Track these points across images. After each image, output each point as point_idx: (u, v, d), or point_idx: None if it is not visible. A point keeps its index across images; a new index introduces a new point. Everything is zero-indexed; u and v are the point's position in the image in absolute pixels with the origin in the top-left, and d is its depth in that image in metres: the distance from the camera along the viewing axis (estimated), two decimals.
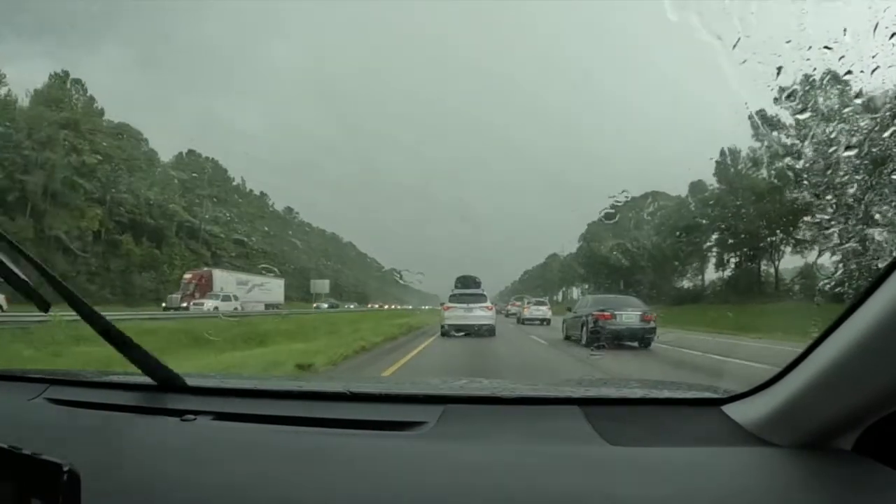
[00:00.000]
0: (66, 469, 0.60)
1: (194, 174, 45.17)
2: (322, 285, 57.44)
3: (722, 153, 33.07)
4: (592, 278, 46.41)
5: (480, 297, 13.88)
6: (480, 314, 13.37)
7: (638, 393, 1.18)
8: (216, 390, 1.22)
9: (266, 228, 48.98)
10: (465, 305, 13.49)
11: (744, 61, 1.68)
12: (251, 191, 52.30)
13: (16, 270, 0.95)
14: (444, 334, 13.05)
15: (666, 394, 1.18)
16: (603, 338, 9.87)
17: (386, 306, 50.93)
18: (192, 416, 1.03)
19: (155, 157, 42.85)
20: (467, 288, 14.48)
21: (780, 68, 1.76)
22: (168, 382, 1.16)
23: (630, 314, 10.52)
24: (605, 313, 10.38)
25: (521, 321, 19.75)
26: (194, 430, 1.01)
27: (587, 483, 0.78)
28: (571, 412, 1.01)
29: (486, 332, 12.92)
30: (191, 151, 45.97)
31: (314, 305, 40.78)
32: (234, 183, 50.17)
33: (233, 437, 0.99)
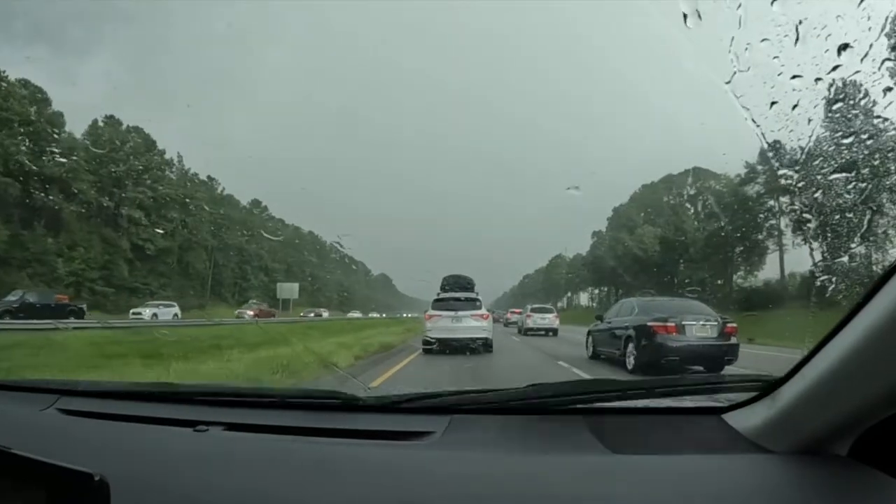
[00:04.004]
0: (96, 479, 0.64)
1: (116, 142, 35.41)
2: (290, 290, 47.99)
3: (836, 88, 23.93)
4: (617, 279, 37.72)
5: (473, 303, 11.18)
6: (473, 324, 10.76)
7: (640, 402, 1.20)
8: (227, 401, 1.23)
9: (204, 214, 38.93)
10: (452, 313, 10.84)
11: None
12: (192, 172, 42.23)
13: None
14: (428, 350, 10.43)
15: (667, 403, 1.19)
16: (663, 358, 7.07)
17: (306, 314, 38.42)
18: (204, 427, 1.06)
19: (59, 121, 33.02)
20: (456, 291, 11.78)
21: None
22: (180, 392, 1.29)
23: (704, 326, 7.33)
24: (669, 324, 7.29)
25: (524, 332, 17.59)
26: (206, 441, 1.03)
27: (591, 490, 0.81)
28: (574, 421, 1.04)
29: (481, 346, 10.39)
30: (110, 117, 35.97)
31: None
32: (167, 157, 40.26)
33: (244, 448, 1.01)
